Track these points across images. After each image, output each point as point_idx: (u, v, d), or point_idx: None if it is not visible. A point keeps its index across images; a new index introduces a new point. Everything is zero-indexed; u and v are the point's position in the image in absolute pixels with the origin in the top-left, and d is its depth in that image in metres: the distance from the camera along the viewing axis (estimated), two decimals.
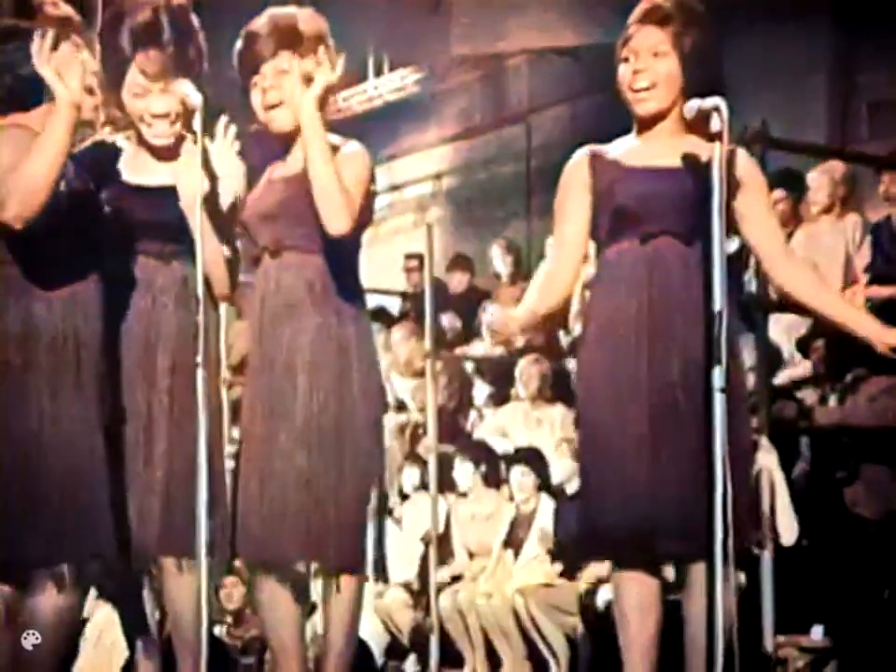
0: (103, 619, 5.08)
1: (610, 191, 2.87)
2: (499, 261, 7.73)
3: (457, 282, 7.98)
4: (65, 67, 2.74)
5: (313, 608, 3.35)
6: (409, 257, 8.23)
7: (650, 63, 2.86)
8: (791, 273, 2.92)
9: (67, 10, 2.82)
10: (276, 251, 3.03)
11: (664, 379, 2.82)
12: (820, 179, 5.98)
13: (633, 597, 2.85)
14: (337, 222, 2.92)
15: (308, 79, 2.96)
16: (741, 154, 2.91)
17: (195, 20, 3.06)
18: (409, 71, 8.82)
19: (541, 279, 2.95)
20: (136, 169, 3.11)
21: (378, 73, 8.95)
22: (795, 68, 7.07)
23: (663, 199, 2.84)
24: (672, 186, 2.85)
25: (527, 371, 6.40)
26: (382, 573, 3.12)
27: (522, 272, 7.72)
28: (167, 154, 3.10)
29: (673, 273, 2.83)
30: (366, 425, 3.02)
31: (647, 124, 2.91)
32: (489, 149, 9.08)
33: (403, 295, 8.23)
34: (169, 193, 3.04)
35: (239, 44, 3.08)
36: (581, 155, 2.94)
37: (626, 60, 2.89)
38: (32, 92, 2.79)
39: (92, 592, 3.33)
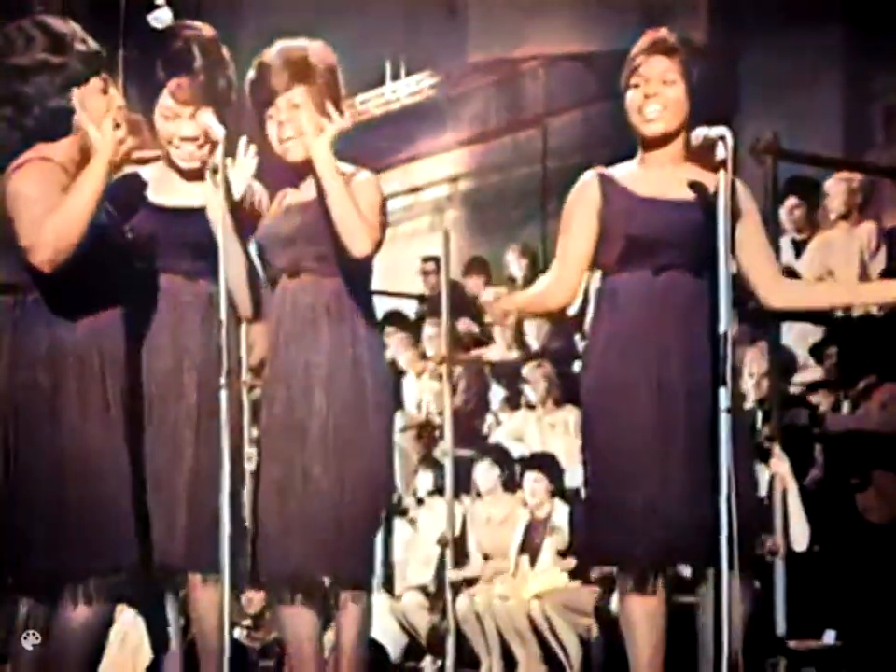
0: (127, 622, 5.15)
1: (624, 220, 2.93)
2: (514, 266, 7.78)
3: (473, 285, 8.03)
4: (95, 107, 2.83)
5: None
6: (426, 260, 8.28)
7: (660, 89, 2.93)
8: (787, 290, 3.03)
9: (95, 47, 2.89)
10: (295, 273, 3.11)
11: (670, 398, 2.88)
12: (837, 187, 6.00)
13: (638, 610, 2.91)
14: (360, 244, 2.99)
15: (322, 121, 3.02)
16: (738, 184, 2.98)
17: (226, 52, 3.16)
18: (425, 75, 8.88)
19: (540, 286, 3.02)
20: (163, 191, 3.19)
21: (395, 77, 9.01)
22: (809, 75, 7.08)
23: (676, 232, 2.91)
24: (685, 219, 2.91)
25: (532, 376, 6.46)
26: (387, 584, 3.20)
27: (537, 275, 7.75)
28: (194, 175, 3.17)
29: (683, 304, 2.90)
30: (378, 440, 3.09)
31: (651, 147, 2.97)
32: (505, 153, 9.12)
33: (420, 298, 8.29)
34: (195, 213, 3.11)
35: (251, 74, 3.15)
36: (591, 177, 2.99)
37: (636, 86, 2.95)
38: (58, 124, 2.85)
39: None
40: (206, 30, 3.16)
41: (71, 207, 2.74)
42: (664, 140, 2.96)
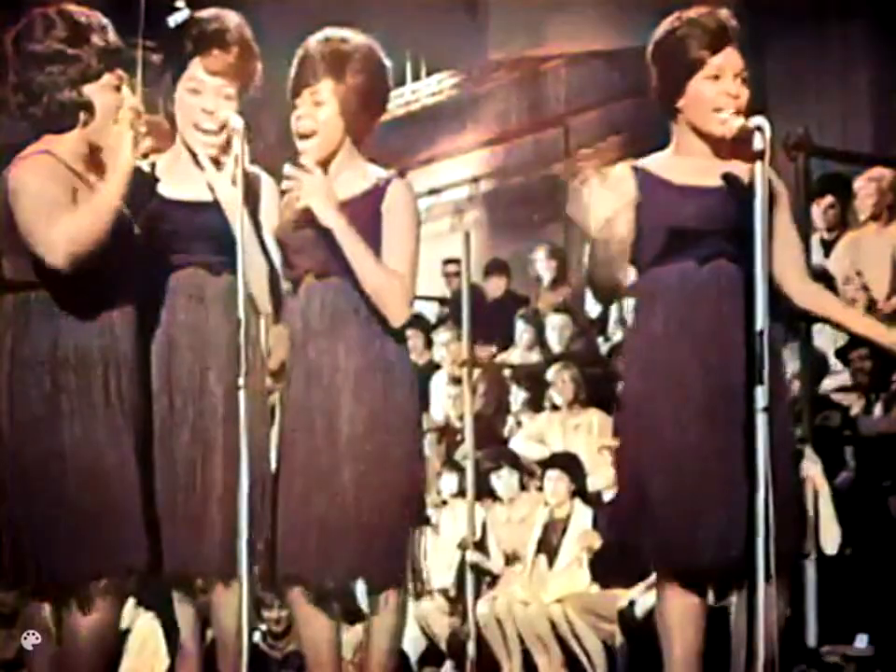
0: (145, 627, 5.11)
1: (664, 211, 2.84)
2: (542, 265, 7.65)
3: (494, 286, 7.97)
4: (105, 103, 2.79)
5: (358, 615, 3.37)
6: (447, 262, 8.22)
7: (740, 90, 2.85)
8: (811, 290, 2.96)
9: (116, 42, 2.86)
10: (323, 273, 3.05)
11: (714, 398, 2.81)
12: (868, 187, 5.91)
13: (676, 611, 2.86)
14: (397, 316, 2.98)
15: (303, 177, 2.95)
16: (772, 175, 2.87)
17: (254, 41, 3.13)
18: (446, 75, 8.86)
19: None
20: (177, 184, 3.14)
21: (416, 77, 9.00)
22: (838, 70, 7.01)
23: (718, 220, 2.83)
24: (725, 206, 2.83)
25: (560, 378, 6.39)
26: (421, 585, 3.13)
27: (566, 277, 7.65)
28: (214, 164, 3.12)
29: (730, 294, 2.82)
30: (406, 442, 3.04)
31: (703, 142, 2.88)
32: (526, 153, 9.07)
33: (441, 300, 8.23)
34: (212, 206, 3.07)
35: (296, 60, 3.09)
36: (623, 170, 2.91)
37: (715, 78, 2.83)
38: (66, 116, 2.82)
39: (132, 601, 3.37)
40: (238, 18, 3.14)
41: (88, 218, 2.71)
42: (721, 138, 2.86)
